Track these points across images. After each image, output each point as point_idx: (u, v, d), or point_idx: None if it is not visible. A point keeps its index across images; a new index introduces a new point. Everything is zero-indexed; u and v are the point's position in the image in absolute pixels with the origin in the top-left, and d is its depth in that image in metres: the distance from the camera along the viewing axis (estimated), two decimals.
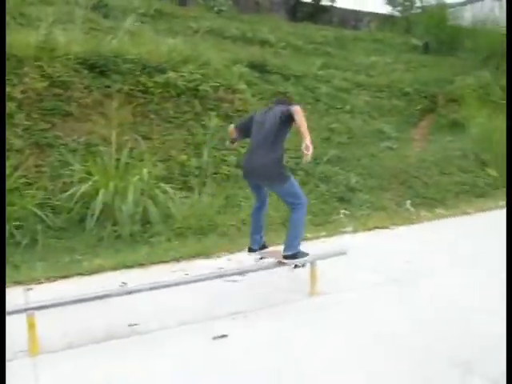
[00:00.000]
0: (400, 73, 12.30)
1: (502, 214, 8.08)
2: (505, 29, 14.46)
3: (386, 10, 18.29)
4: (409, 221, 7.54)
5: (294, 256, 4.49)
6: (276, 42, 12.49)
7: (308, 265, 4.64)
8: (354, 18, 17.79)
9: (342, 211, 7.65)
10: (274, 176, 4.45)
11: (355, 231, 6.96)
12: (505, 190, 9.22)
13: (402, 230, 7.09)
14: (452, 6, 17.53)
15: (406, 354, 3.49)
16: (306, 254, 4.55)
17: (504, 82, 11.44)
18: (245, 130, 4.88)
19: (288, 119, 4.40)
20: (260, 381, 3.20)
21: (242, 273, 4.85)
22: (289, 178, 4.50)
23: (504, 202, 8.68)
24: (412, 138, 10.50)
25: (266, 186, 4.70)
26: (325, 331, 3.88)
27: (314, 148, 8.79)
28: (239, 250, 6.06)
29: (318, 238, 6.68)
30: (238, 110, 8.69)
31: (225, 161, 7.95)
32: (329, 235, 6.78)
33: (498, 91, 11.23)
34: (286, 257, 4.50)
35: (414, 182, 8.68)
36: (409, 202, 8.18)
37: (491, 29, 14.68)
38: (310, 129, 9.29)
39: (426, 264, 5.46)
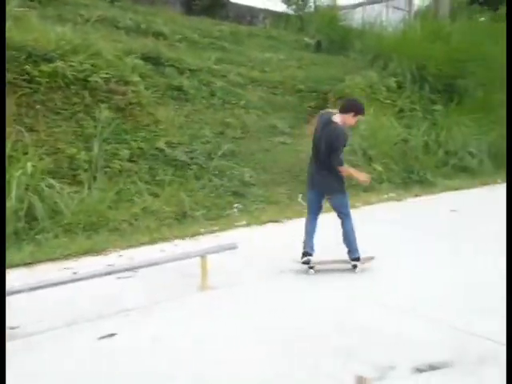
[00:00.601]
0: (293, 70, 12.59)
1: (386, 206, 8.59)
2: (391, 31, 15.31)
3: (280, 7, 18.65)
4: (300, 214, 7.72)
5: (358, 258, 5.16)
6: (171, 34, 12.30)
7: (199, 259, 4.64)
8: (249, 14, 17.94)
9: (236, 205, 7.72)
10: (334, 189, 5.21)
11: (248, 225, 7.05)
12: (389, 184, 9.78)
13: (293, 224, 7.26)
14: (344, 7, 18.21)
15: (287, 344, 3.58)
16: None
17: (389, 82, 12.10)
18: None
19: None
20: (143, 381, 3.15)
21: (132, 269, 4.76)
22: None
23: (387, 196, 9.21)
24: (304, 133, 10.78)
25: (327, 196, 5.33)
26: (215, 325, 3.89)
27: (208, 142, 8.83)
28: (131, 246, 5.96)
29: (211, 232, 6.70)
30: (131, 103, 8.48)
31: (117, 155, 7.73)
32: (222, 230, 6.81)
33: (383, 91, 11.81)
34: (354, 259, 5.18)
35: (306, 177, 8.88)
36: (301, 195, 8.41)
37: (379, 31, 15.44)
38: (205, 123, 9.33)
39: (318, 257, 5.63)
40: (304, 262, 5.14)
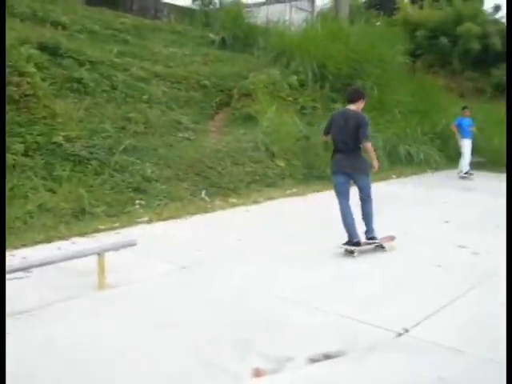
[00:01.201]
0: (197, 65, 12.56)
1: (288, 201, 8.80)
2: (294, 30, 15.66)
3: (185, 2, 18.53)
4: (203, 210, 7.77)
5: (374, 237, 5.82)
6: (71, 24, 11.88)
7: (96, 257, 4.53)
8: (154, 8, 17.66)
9: (138, 201, 7.59)
10: (360, 170, 5.75)
11: (150, 221, 6.97)
12: (291, 180, 10.02)
13: (196, 220, 7.28)
14: (248, 5, 18.39)
15: (186, 339, 3.60)
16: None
17: (292, 80, 12.38)
18: (328, 132, 6.01)
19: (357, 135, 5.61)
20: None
21: (25, 269, 4.55)
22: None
23: (290, 191, 9.44)
24: (208, 129, 10.81)
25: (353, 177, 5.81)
26: (111, 324, 3.82)
27: (109, 137, 8.63)
28: (25, 246, 5.70)
29: (111, 229, 6.54)
30: (26, 95, 8.08)
31: (10, 148, 7.34)
32: (123, 226, 6.67)
33: (286, 88, 12.07)
34: (370, 238, 5.81)
35: (210, 172, 8.94)
36: (204, 191, 8.43)
37: (282, 30, 15.74)
38: (106, 118, 9.10)
39: (216, 252, 5.69)
40: (351, 252, 5.67)
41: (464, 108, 12.93)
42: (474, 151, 13.02)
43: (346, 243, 5.70)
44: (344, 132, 5.68)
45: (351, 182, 5.89)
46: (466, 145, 12.52)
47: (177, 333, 3.68)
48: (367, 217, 5.85)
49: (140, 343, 3.53)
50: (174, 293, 4.46)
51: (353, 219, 5.76)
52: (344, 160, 5.74)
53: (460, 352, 3.47)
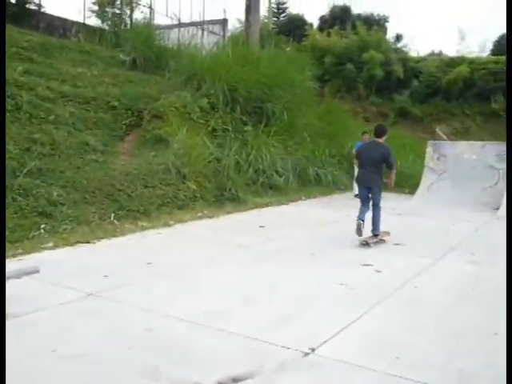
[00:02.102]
0: (107, 86, 12.33)
1: (200, 223, 8.81)
2: (205, 54, 15.80)
3: (95, 22, 18.19)
4: (112, 234, 7.59)
5: (377, 235, 7.73)
6: None
7: None
8: (62, 27, 17.22)
9: (43, 226, 7.29)
10: (375, 184, 7.87)
11: (56, 247, 6.72)
12: (203, 202, 10.04)
13: (104, 244, 7.11)
14: (160, 27, 18.36)
15: (92, 368, 3.50)
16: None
17: (203, 102, 12.45)
18: (359, 157, 8.28)
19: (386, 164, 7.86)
20: None
21: None
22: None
23: (202, 214, 9.45)
24: (118, 151, 10.61)
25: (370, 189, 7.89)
26: (11, 356, 3.63)
27: (13, 159, 8.27)
28: None
29: (14, 255, 6.24)
30: None
31: None
32: (27, 252, 6.38)
33: (197, 111, 12.13)
34: (375, 235, 7.69)
35: (119, 195, 8.76)
36: (113, 215, 8.25)
37: (194, 53, 15.82)
38: (9, 138, 8.73)
39: (125, 277, 5.58)
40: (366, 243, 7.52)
41: (364, 133, 13.61)
42: None
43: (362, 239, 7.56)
44: (371, 158, 7.71)
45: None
46: None
47: (81, 363, 3.57)
48: (375, 219, 7.77)
49: (46, 375, 3.39)
50: (78, 321, 4.32)
51: (364, 217, 7.57)
52: (366, 176, 7.80)
53: (364, 369, 3.60)
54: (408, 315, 4.67)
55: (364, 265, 6.29)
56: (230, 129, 12.36)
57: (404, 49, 28.51)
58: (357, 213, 7.62)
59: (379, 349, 3.93)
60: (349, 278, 5.68)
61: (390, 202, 12.13)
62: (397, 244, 7.49)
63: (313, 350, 3.85)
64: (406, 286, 5.51)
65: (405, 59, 25.92)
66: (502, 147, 12.47)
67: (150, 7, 19.33)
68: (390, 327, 4.38)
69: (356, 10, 31.82)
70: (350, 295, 5.20)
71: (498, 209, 10.72)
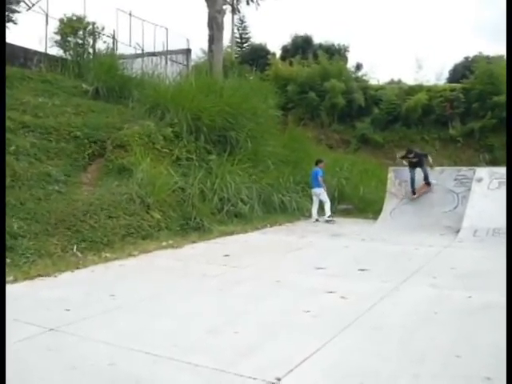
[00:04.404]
0: (69, 116, 12.27)
1: (164, 253, 8.73)
2: (168, 83, 15.88)
3: (57, 52, 18.12)
4: (75, 266, 7.46)
5: None
6: None
7: None
8: (23, 56, 17.09)
9: None
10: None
11: (15, 281, 6.55)
12: (167, 231, 9.97)
13: (66, 277, 6.97)
14: (123, 56, 18.41)
15: None
16: None
17: (166, 131, 12.48)
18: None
19: None
20: None
21: None
22: None
23: (167, 243, 9.38)
24: (81, 181, 10.51)
25: None
26: None
27: None
28: None
29: None
30: None
31: None
32: None
33: (160, 140, 12.13)
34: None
35: (82, 226, 8.64)
36: (75, 246, 8.12)
37: (157, 82, 15.90)
38: None
39: (87, 310, 5.47)
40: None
41: (319, 161, 13.92)
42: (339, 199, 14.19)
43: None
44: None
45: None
46: (324, 192, 13.50)
47: None
48: None
49: None
50: (38, 358, 4.20)
51: None
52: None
53: None
54: (372, 341, 4.70)
55: (328, 292, 6.31)
56: (195, 157, 12.39)
57: (364, 77, 29.23)
58: (321, 239, 7.66)
59: (344, 377, 3.94)
60: (314, 306, 5.69)
61: (354, 227, 12.33)
62: (361, 270, 7.56)
63: (278, 379, 3.83)
64: (370, 312, 5.55)
65: (365, 87, 26.57)
66: (460, 172, 12.82)
67: (113, 37, 19.42)
68: (355, 354, 4.39)
69: (317, 39, 32.60)
70: (315, 322, 5.21)
71: (458, 232, 10.95)
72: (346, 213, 14.43)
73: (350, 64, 30.36)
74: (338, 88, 24.52)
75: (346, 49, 32.19)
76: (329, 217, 13.31)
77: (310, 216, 13.71)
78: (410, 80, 27.67)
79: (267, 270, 7.63)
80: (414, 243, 9.88)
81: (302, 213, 13.98)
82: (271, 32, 59.59)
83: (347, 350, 4.49)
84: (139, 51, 20.30)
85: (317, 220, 13.41)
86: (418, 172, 12.98)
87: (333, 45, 31.91)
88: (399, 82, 30.40)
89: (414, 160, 13.14)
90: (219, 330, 4.94)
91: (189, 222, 10.57)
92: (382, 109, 25.01)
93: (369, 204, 14.57)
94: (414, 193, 12.98)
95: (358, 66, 30.85)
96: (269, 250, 9.46)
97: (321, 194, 13.55)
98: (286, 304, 5.86)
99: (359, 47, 59.25)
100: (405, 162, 13.45)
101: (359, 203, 14.97)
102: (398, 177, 13.58)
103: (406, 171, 13.29)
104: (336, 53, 29.59)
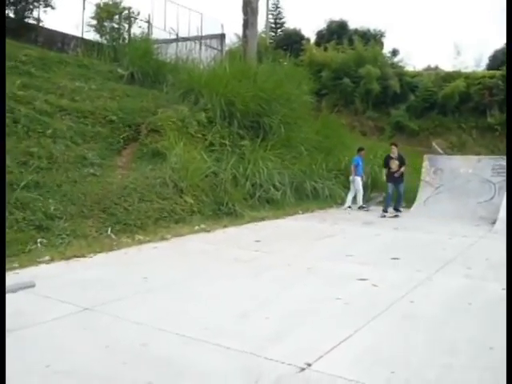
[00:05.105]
0: (105, 100, 12.40)
1: (196, 237, 8.81)
2: (203, 68, 15.91)
3: (94, 36, 18.31)
4: (109, 248, 7.60)
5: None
6: None
7: None
8: (60, 41, 17.33)
9: (40, 240, 7.30)
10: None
11: (52, 261, 6.72)
12: (200, 216, 10.04)
13: (100, 258, 7.11)
14: (158, 41, 18.49)
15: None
16: None
17: (200, 117, 12.51)
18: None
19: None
20: None
21: None
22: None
23: (199, 227, 9.45)
24: (116, 165, 10.64)
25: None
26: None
27: (10, 173, 8.29)
28: None
29: (10, 269, 6.22)
30: None
31: None
32: (23, 266, 6.39)
33: (194, 125, 12.18)
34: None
35: (116, 209, 8.78)
36: (110, 228, 8.26)
37: (191, 67, 15.93)
38: (6, 152, 8.73)
39: (121, 291, 5.58)
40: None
41: (360, 150, 13.86)
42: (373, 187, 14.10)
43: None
44: None
45: None
46: (359, 181, 13.45)
47: (77, 378, 3.56)
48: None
49: None
50: (73, 336, 4.31)
51: None
52: None
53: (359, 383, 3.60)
54: (404, 330, 4.67)
55: (360, 279, 6.28)
56: (228, 143, 12.40)
57: (400, 63, 28.74)
58: (352, 227, 7.62)
59: (375, 364, 3.93)
60: (345, 293, 5.68)
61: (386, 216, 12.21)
62: (393, 258, 7.49)
63: (309, 364, 3.85)
64: (401, 301, 5.51)
65: (401, 74, 26.13)
66: (497, 161, 12.54)
67: (148, 22, 19.48)
68: (386, 342, 4.37)
69: (352, 25, 32.11)
70: (346, 310, 5.20)
71: (494, 223, 10.74)
72: (379, 201, 14.29)
73: (386, 50, 29.88)
74: (373, 74, 24.18)
75: (381, 34, 31.66)
76: (361, 206, 13.30)
77: (342, 203, 13.65)
78: (447, 66, 27.14)
79: (298, 256, 7.63)
80: (448, 233, 9.74)
81: (335, 200, 13.91)
82: (306, 17, 59.03)
83: (378, 338, 4.47)
84: (174, 36, 20.34)
85: (349, 207, 13.34)
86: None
87: (368, 30, 31.41)
88: (436, 68, 29.79)
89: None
90: (250, 314, 4.97)
91: (221, 206, 10.62)
92: (418, 96, 24.59)
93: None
94: (386, 211, 12.54)
95: (394, 52, 30.35)
96: (300, 236, 9.45)
97: (355, 181, 13.48)
98: (317, 291, 5.86)
99: (395, 32, 58.26)
100: (441, 151, 13.27)
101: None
102: (433, 165, 13.38)
103: (441, 159, 13.08)
104: (371, 38, 29.12)
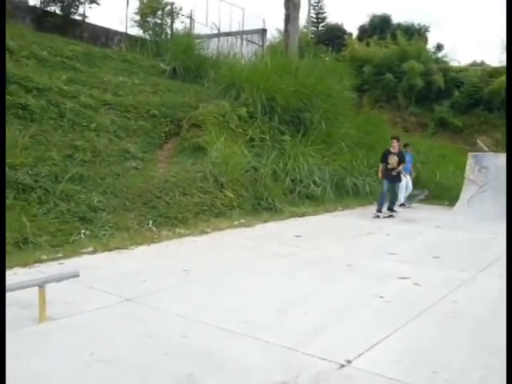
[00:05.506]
0: (147, 95, 12.55)
1: (236, 232, 8.84)
2: (244, 63, 15.93)
3: (137, 32, 18.55)
4: (150, 240, 7.70)
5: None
6: (18, 50, 11.68)
7: (37, 288, 4.42)
8: (105, 36, 17.62)
9: (83, 231, 7.46)
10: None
11: (95, 252, 6.86)
12: (240, 210, 10.07)
13: (142, 250, 7.22)
14: (200, 36, 18.60)
15: (128, 373, 3.55)
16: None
17: (241, 112, 12.54)
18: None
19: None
20: None
21: None
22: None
23: (238, 222, 9.48)
24: (157, 159, 10.78)
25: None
26: (45, 359, 3.72)
27: (55, 165, 8.48)
28: None
29: (55, 259, 6.40)
30: None
31: None
32: (67, 257, 6.54)
33: (235, 120, 12.21)
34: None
35: (157, 202, 8.89)
36: (151, 221, 8.37)
37: (233, 62, 15.97)
38: (52, 145, 8.97)
39: (162, 283, 5.65)
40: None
41: (406, 145, 13.61)
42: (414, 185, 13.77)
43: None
44: None
45: None
46: (404, 179, 13.18)
47: (119, 367, 3.62)
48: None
49: (79, 380, 3.46)
50: (116, 326, 4.39)
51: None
52: None
53: (399, 382, 3.55)
54: (445, 330, 4.58)
55: (401, 278, 6.20)
56: (268, 138, 12.39)
57: (445, 59, 28.11)
58: (393, 225, 7.49)
59: (416, 363, 3.87)
60: (386, 291, 5.61)
61: (428, 214, 12.00)
62: (435, 257, 7.36)
63: (349, 362, 3.82)
64: (444, 300, 5.41)
65: (446, 69, 25.55)
66: None
67: (190, 17, 19.62)
68: (428, 341, 4.30)
69: (396, 19, 31.61)
70: (387, 308, 5.13)
71: None
72: (421, 199, 14.04)
73: (430, 45, 29.29)
74: (416, 69, 23.73)
75: (426, 29, 31.08)
76: (401, 204, 12.98)
77: None
78: (494, 62, 26.41)
79: (338, 252, 7.58)
80: (492, 232, 9.49)
81: (375, 197, 13.72)
82: (348, 12, 58.37)
83: (419, 337, 4.40)
84: (215, 31, 20.42)
85: (402, 205, 13.05)
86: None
87: (412, 24, 30.87)
88: (482, 63, 29.04)
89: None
90: (289, 309, 4.97)
91: (261, 201, 10.63)
92: (463, 91, 24.00)
93: (445, 190, 14.11)
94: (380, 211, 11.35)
95: (439, 47, 29.72)
96: (340, 233, 9.37)
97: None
98: (357, 288, 5.80)
99: (440, 27, 57.04)
100: (486, 148, 12.72)
101: (435, 189, 14.53)
102: (477, 163, 13.03)
103: (486, 156, 12.74)
104: (415, 33, 28.59)
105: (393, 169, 11.56)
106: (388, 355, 3.99)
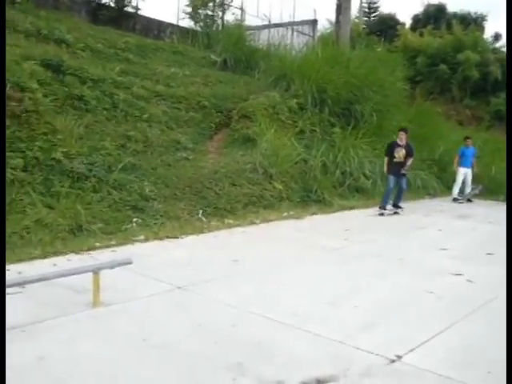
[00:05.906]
0: (198, 86, 12.64)
1: (285, 223, 8.82)
2: (294, 54, 15.83)
3: (188, 23, 18.73)
4: (199, 230, 7.78)
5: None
6: (74, 42, 11.96)
7: (91, 274, 4.53)
8: (157, 28, 17.86)
9: (135, 220, 7.60)
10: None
11: (146, 240, 6.98)
12: (289, 202, 10.04)
13: (192, 239, 7.30)
14: (250, 28, 18.60)
15: (180, 360, 3.60)
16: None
17: (291, 103, 12.47)
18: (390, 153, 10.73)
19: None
20: None
21: (20, 284, 4.55)
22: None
23: (287, 214, 9.46)
24: (207, 149, 10.86)
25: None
26: (100, 344, 3.81)
27: (109, 155, 8.66)
28: (21, 261, 5.70)
29: (107, 247, 6.55)
30: (27, 111, 8.12)
31: (9, 163, 7.38)
32: (119, 244, 6.69)
33: (285, 111, 12.16)
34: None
35: (207, 193, 8.97)
36: (201, 211, 8.45)
37: (283, 53, 15.90)
38: (106, 135, 9.16)
39: (212, 272, 5.71)
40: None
41: (466, 138, 13.26)
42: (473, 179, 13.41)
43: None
44: None
45: None
46: (462, 173, 12.86)
47: (170, 355, 3.68)
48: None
49: (133, 364, 3.53)
50: (167, 313, 4.47)
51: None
52: None
53: (453, 381, 3.47)
54: (499, 329, 4.43)
55: (454, 274, 6.05)
56: (318, 130, 12.29)
57: (503, 49, 27.15)
58: (445, 219, 7.30)
59: (469, 362, 3.77)
60: (438, 287, 5.49)
61: (482, 209, 11.66)
62: (489, 254, 7.15)
63: (399, 357, 3.76)
64: (498, 298, 5.24)
65: (504, 60, 24.67)
66: None
67: (241, 8, 19.64)
68: (480, 341, 4.19)
69: (451, 8, 30.72)
70: (439, 304, 5.02)
71: None
72: (475, 194, 13.66)
73: (488, 34, 28.35)
74: (472, 60, 23.04)
75: (483, 18, 30.05)
76: (455, 199, 12.73)
77: (434, 195, 13.26)
78: None
79: (389, 246, 7.46)
80: None
81: (427, 191, 13.46)
82: (401, 1, 57.04)
83: (472, 335, 4.30)
84: (266, 22, 20.36)
85: (455, 199, 12.82)
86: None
87: (469, 13, 29.91)
88: None
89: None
90: (338, 302, 4.93)
91: (310, 194, 10.57)
92: None
93: (500, 186, 13.64)
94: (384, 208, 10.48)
95: (497, 37, 28.72)
96: (390, 227, 9.23)
97: (458, 172, 13.03)
98: (409, 283, 5.70)
99: (498, 16, 55.00)
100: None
101: (490, 184, 14.11)
102: None
103: None
104: (472, 22, 27.72)
105: (399, 162, 10.58)
106: (440, 352, 3.91)
